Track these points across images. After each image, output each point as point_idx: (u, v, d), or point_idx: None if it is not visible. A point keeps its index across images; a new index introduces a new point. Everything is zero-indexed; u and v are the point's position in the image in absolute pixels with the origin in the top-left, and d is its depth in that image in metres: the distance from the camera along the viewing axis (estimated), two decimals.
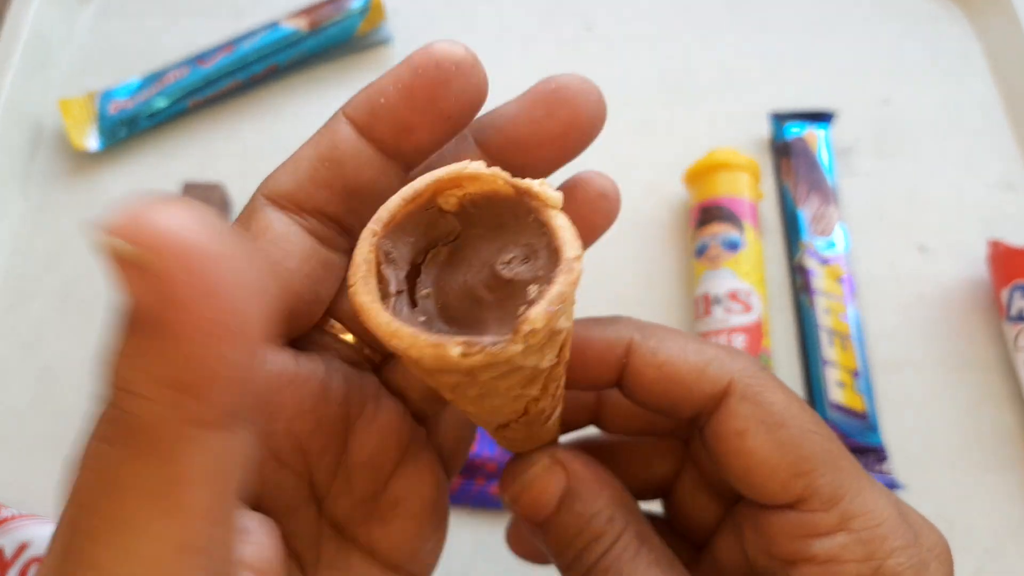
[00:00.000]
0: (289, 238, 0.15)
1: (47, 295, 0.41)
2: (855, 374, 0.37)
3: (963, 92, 0.48)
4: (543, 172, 0.17)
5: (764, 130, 0.46)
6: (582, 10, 0.51)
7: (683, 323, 0.40)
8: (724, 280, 0.38)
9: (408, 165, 0.16)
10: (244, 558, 0.14)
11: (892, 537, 0.16)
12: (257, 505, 0.16)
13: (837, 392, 0.37)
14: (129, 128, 0.44)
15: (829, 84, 0.48)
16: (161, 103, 0.44)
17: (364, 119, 0.15)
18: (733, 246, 0.38)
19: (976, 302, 0.41)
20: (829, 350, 0.38)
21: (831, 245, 0.41)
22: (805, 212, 0.42)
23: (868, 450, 0.36)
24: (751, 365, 0.17)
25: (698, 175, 0.41)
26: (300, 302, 0.15)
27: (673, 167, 0.44)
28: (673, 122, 0.47)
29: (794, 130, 0.44)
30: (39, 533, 0.34)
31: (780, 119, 0.45)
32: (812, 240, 0.41)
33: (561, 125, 0.16)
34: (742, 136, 0.46)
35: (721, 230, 0.39)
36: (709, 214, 0.40)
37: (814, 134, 0.44)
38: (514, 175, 0.14)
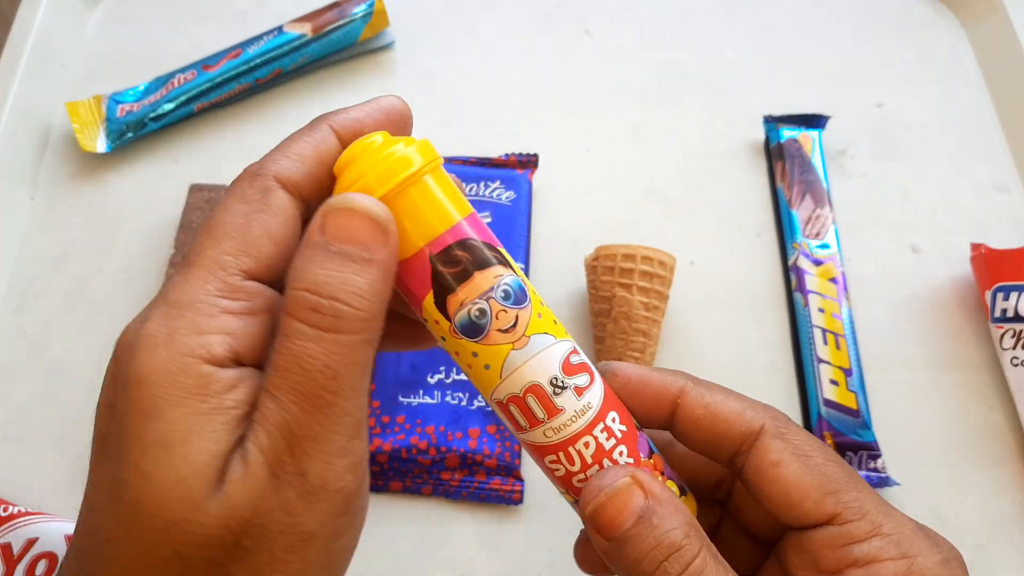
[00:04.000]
0: (290, 214, 0.19)
1: (55, 295, 0.42)
2: (848, 372, 0.38)
3: (955, 96, 0.49)
4: None
5: (758, 133, 0.47)
6: (580, 15, 0.52)
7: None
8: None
9: None
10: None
11: (917, 539, 0.19)
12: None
13: (830, 390, 0.37)
14: (136, 131, 0.45)
15: (823, 88, 0.49)
16: (167, 106, 0.45)
17: (344, 131, 0.20)
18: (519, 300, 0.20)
19: (966, 301, 0.42)
20: (822, 349, 0.38)
21: (824, 246, 0.42)
22: (799, 214, 0.43)
23: (861, 447, 0.36)
24: (778, 413, 0.21)
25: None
26: (284, 259, 0.19)
27: (668, 170, 0.45)
28: (669, 125, 0.48)
29: (788, 133, 0.45)
30: (46, 530, 0.35)
31: (774, 122, 0.46)
32: (806, 241, 0.42)
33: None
34: (737, 139, 0.47)
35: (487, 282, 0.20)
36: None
37: (808, 137, 0.45)
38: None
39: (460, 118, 0.48)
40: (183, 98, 0.45)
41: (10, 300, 0.42)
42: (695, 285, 0.41)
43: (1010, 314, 0.38)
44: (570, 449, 0.20)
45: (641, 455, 0.20)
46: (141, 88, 0.46)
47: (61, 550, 0.34)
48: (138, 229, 0.44)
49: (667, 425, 0.21)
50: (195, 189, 0.42)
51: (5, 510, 0.35)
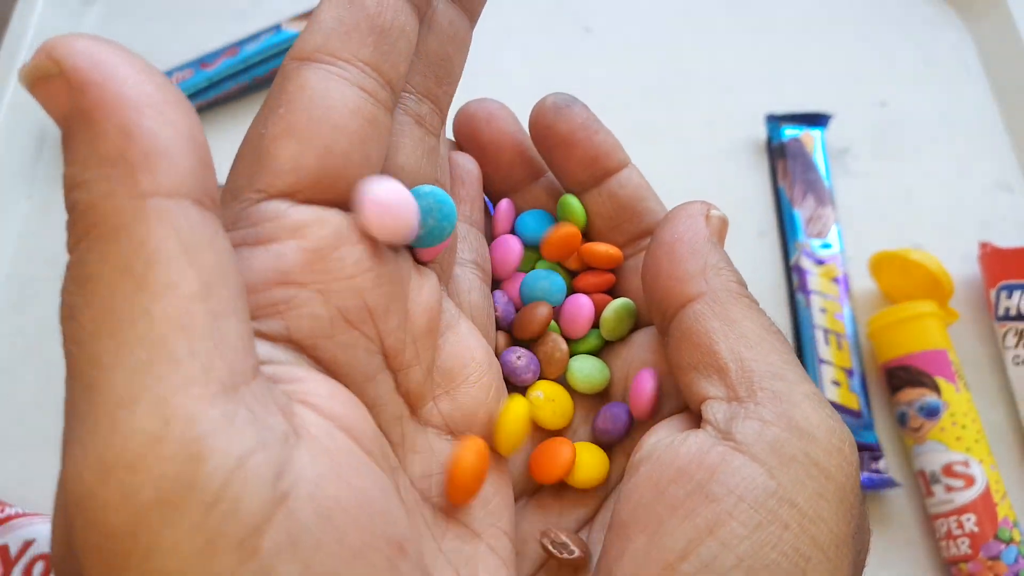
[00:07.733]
0: (330, 92, 0.14)
1: (51, 295, 0.42)
2: (849, 373, 0.38)
3: (959, 94, 0.49)
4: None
5: (760, 132, 0.46)
6: (580, 13, 0.51)
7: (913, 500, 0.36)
8: (934, 454, 0.35)
9: None
10: (307, 397, 0.13)
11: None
12: (335, 372, 0.15)
13: (832, 391, 0.37)
14: None
15: (826, 86, 0.49)
16: None
17: None
18: (933, 413, 0.35)
19: (970, 300, 0.41)
20: (824, 349, 0.38)
21: (827, 245, 0.41)
22: (801, 213, 0.42)
23: (863, 448, 0.36)
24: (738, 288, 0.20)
25: (881, 331, 0.38)
26: (349, 165, 0.14)
27: (669, 169, 0.45)
28: (670, 124, 0.47)
29: (790, 132, 0.45)
30: (43, 531, 0.34)
31: (776, 121, 0.45)
32: (808, 241, 0.41)
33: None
34: (739, 138, 0.47)
35: (916, 395, 0.36)
36: (897, 378, 0.37)
37: (810, 136, 0.45)
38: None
39: None
40: None
41: (8, 300, 0.42)
42: None
43: (1013, 312, 0.38)
44: None
45: None
46: None
47: None
48: None
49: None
50: None
51: (2, 511, 0.35)
